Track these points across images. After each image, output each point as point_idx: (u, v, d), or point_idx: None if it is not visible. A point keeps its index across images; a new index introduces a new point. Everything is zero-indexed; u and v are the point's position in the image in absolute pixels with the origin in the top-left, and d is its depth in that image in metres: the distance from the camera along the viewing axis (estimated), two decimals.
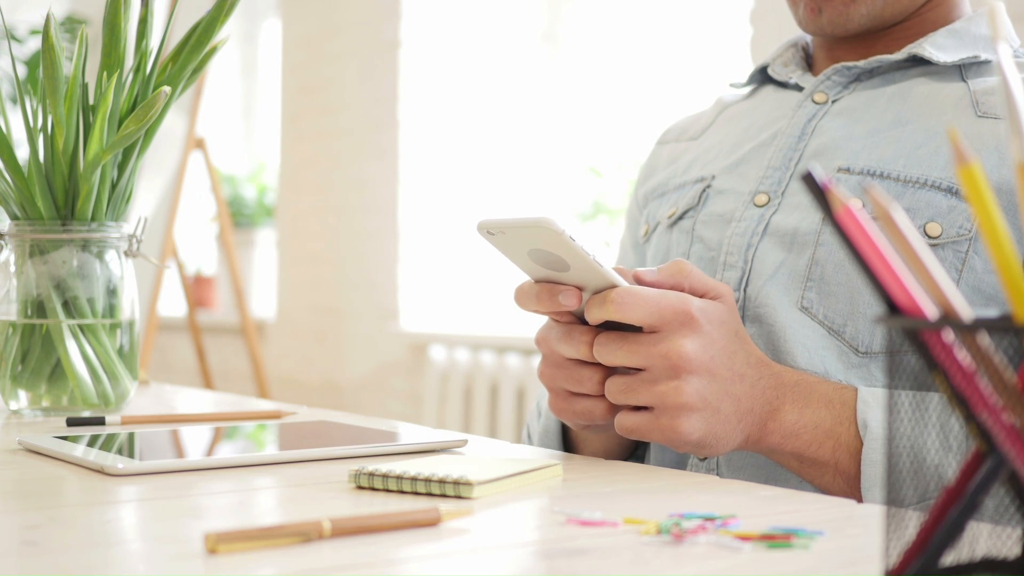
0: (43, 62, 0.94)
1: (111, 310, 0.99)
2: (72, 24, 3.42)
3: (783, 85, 1.02)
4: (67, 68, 0.97)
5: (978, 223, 0.39)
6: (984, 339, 0.39)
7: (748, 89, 1.07)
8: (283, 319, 3.71)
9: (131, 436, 0.80)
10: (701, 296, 0.74)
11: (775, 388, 0.76)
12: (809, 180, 0.42)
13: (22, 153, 0.99)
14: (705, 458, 0.87)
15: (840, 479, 0.77)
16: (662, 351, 0.71)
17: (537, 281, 0.73)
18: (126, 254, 1.00)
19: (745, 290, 0.88)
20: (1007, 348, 0.39)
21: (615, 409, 0.75)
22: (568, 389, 0.76)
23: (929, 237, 0.83)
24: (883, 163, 0.87)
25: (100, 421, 0.90)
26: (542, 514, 0.60)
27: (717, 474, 0.87)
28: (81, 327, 0.97)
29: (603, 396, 0.75)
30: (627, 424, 0.73)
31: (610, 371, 0.74)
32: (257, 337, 3.43)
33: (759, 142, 0.96)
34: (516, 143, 3.25)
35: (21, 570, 0.46)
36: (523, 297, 0.74)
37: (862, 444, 0.75)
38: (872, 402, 0.76)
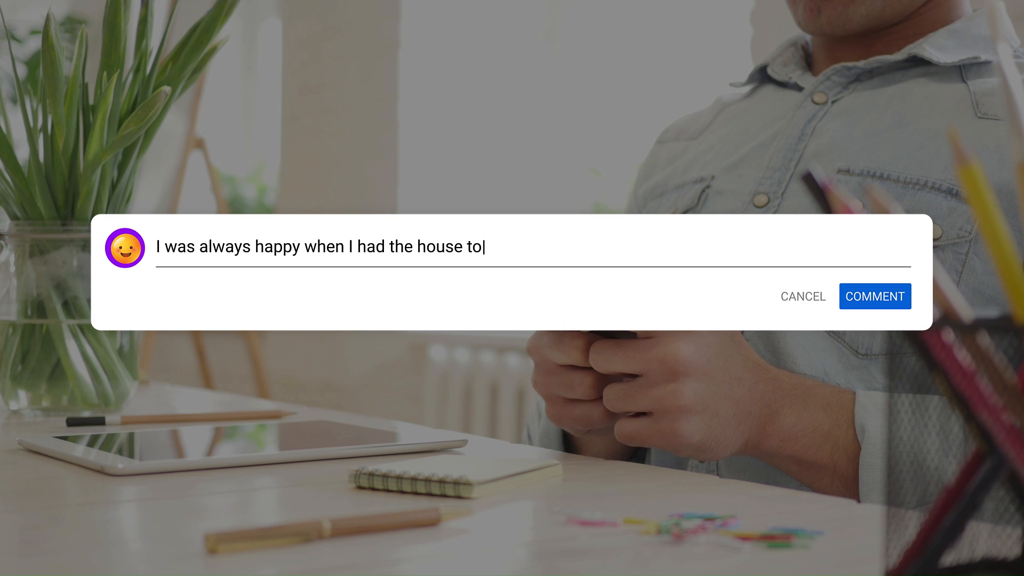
0: (43, 62, 0.94)
1: None
2: (72, 24, 3.42)
3: (783, 85, 1.02)
4: (67, 68, 0.97)
5: (978, 224, 0.39)
6: (984, 339, 0.39)
7: (748, 89, 1.06)
8: None
9: (131, 436, 0.80)
10: None
11: (773, 391, 0.76)
12: (809, 181, 0.42)
13: (22, 153, 0.99)
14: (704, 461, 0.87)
15: (838, 483, 0.76)
16: (658, 355, 0.70)
17: None
18: None
19: None
20: (1007, 348, 0.39)
21: (613, 412, 0.75)
22: (563, 395, 0.76)
23: None
24: (883, 164, 0.87)
25: (100, 421, 0.90)
26: (542, 514, 0.60)
27: (717, 474, 0.87)
28: (81, 327, 0.97)
29: (598, 400, 0.75)
30: (627, 430, 0.73)
31: (602, 375, 0.74)
32: (257, 337, 3.43)
33: (759, 142, 0.96)
34: (516, 143, 3.25)
35: (21, 570, 0.46)
36: None
37: (860, 448, 0.75)
38: (870, 406, 0.76)
